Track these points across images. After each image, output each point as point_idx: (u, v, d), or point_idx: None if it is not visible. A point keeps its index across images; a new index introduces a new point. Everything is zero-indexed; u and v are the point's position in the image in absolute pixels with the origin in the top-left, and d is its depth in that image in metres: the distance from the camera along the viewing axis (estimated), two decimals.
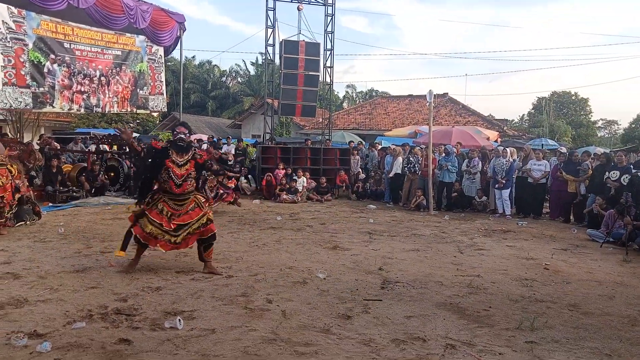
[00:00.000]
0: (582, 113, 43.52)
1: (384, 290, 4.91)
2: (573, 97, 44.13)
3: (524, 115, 49.05)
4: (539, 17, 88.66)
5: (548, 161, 11.11)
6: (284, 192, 12.38)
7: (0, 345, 3.30)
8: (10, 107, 9.17)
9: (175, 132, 5.37)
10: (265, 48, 15.66)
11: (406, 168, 11.92)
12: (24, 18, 8.85)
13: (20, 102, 8.98)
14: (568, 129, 36.52)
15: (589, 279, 5.64)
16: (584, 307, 4.59)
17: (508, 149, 11.28)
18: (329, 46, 16.01)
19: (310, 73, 15.06)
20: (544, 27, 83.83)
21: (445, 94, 29.05)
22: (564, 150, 11.95)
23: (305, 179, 12.94)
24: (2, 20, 8.52)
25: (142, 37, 11.31)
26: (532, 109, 45.73)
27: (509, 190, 10.81)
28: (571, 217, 10.40)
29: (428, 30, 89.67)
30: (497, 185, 10.83)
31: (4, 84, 8.67)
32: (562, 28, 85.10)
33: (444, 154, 11.80)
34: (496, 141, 17.87)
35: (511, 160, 10.93)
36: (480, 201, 11.50)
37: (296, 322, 3.92)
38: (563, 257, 6.84)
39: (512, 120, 45.71)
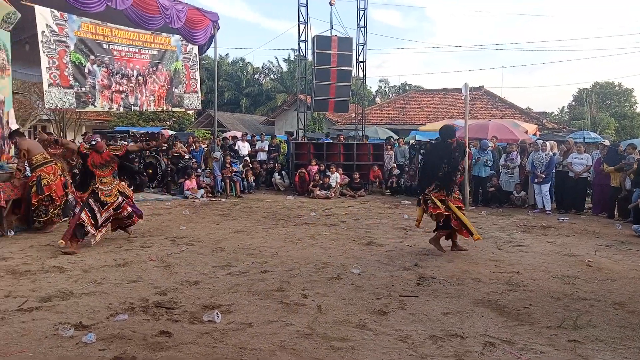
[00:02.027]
0: (626, 104, 41.73)
1: (420, 286, 4.86)
2: (616, 88, 42.39)
3: (564, 107, 47.46)
4: (579, 4, 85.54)
5: (590, 155, 10.72)
6: (318, 188, 12.41)
7: (48, 335, 3.44)
8: (56, 107, 9.51)
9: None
10: (298, 44, 15.70)
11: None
12: (65, 21, 9.15)
13: (65, 102, 9.30)
14: (611, 121, 35.13)
15: (635, 277, 5.42)
16: (630, 305, 4.41)
17: (548, 143, 10.95)
18: (361, 41, 15.92)
19: (343, 68, 15.02)
20: (585, 15, 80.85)
21: (481, 87, 28.43)
22: (607, 143, 11.50)
23: (338, 175, 12.93)
24: (46, 24, 8.84)
25: (177, 37, 11.52)
26: (573, 100, 44.21)
27: (548, 184, 10.50)
28: (615, 213, 10.01)
29: (462, 21, 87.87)
30: (536, 180, 10.53)
31: (49, 85, 9.00)
32: (602, 16, 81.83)
33: (479, 148, 11.56)
34: (535, 135, 17.37)
35: (551, 154, 10.61)
36: (519, 196, 11.21)
37: (332, 318, 3.93)
38: (607, 253, 6.59)
39: (552, 112, 44.29)
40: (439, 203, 6.09)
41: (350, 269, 5.38)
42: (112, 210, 6.31)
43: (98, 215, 6.15)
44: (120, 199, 6.37)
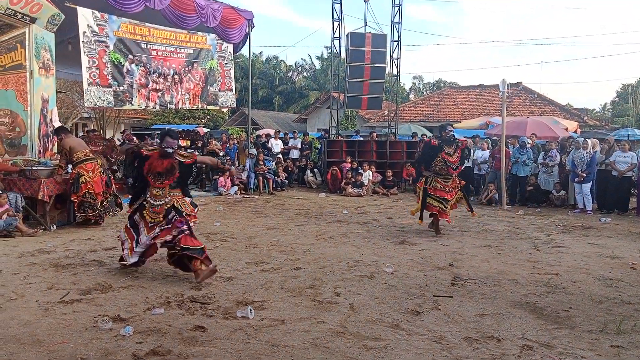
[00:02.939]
0: None
1: (455, 286, 4.76)
2: None
3: (606, 104, 45.81)
4: None
5: (635, 153, 10.29)
6: (350, 186, 12.37)
7: (88, 327, 3.54)
8: (95, 105, 9.80)
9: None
10: (332, 41, 15.69)
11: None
12: (106, 21, 9.42)
13: (104, 100, 9.57)
14: None
15: None
16: None
17: (589, 140, 10.56)
18: (395, 37, 15.77)
19: (377, 65, 14.92)
20: (628, 7, 77.57)
21: (519, 83, 27.69)
22: None
23: (371, 173, 12.86)
24: (87, 24, 9.11)
25: (212, 35, 11.68)
26: (616, 97, 42.59)
27: (590, 184, 10.13)
28: None
29: (499, 15, 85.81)
30: (576, 179, 10.18)
31: (89, 84, 9.28)
32: None
33: (518, 146, 11.27)
34: (575, 132, 16.81)
35: (592, 152, 10.23)
36: (558, 195, 10.86)
37: (364, 316, 3.90)
38: None
39: (593, 109, 42.75)
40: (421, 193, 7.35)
41: (383, 267, 5.33)
42: (158, 230, 4.80)
43: (143, 234, 4.85)
44: (170, 215, 4.76)
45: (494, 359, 3.20)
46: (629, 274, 5.38)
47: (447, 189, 7.21)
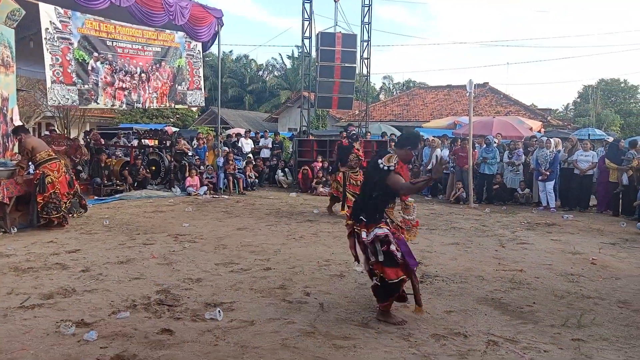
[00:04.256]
0: (632, 101, 41.40)
1: (423, 284, 4.82)
2: (622, 85, 42.07)
3: (568, 104, 47.14)
4: (583, 1, 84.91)
5: (595, 152, 10.65)
6: (321, 185, 12.39)
7: (50, 333, 3.44)
8: (59, 104, 9.51)
9: None
10: (302, 41, 15.65)
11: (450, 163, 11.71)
12: (69, 18, 9.13)
13: (68, 99, 9.29)
14: (616, 118, 34.88)
15: (639, 275, 5.38)
16: (634, 304, 4.38)
17: (552, 140, 10.87)
18: (365, 37, 15.86)
19: (347, 65, 14.96)
20: (589, 12, 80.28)
21: (485, 84, 28.28)
22: (611, 140, 11.43)
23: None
24: (50, 21, 8.82)
25: (181, 33, 11.48)
26: (578, 97, 43.86)
27: (553, 182, 10.44)
28: (619, 210, 9.94)
29: (467, 18, 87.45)
30: (540, 177, 10.47)
31: (52, 82, 8.99)
32: (607, 12, 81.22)
33: (484, 146, 11.51)
34: (539, 131, 17.28)
35: (555, 151, 10.54)
36: (523, 194, 11.15)
37: (334, 315, 3.91)
38: (611, 251, 6.54)
39: (556, 109, 44.00)
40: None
41: (353, 266, 5.36)
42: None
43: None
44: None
45: (460, 355, 3.26)
46: (589, 269, 5.57)
47: (358, 182, 8.15)
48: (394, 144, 4.69)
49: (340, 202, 8.73)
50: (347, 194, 8.43)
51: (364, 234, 3.81)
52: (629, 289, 4.82)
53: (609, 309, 4.22)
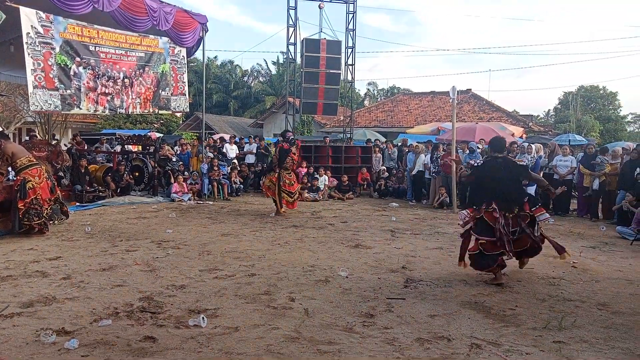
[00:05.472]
0: (610, 107, 42.33)
1: (407, 288, 4.86)
2: (601, 92, 42.99)
3: (549, 110, 48.03)
4: (564, 9, 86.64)
5: (575, 157, 10.84)
6: (306, 191, 12.39)
7: (30, 342, 3.38)
8: (41, 109, 9.38)
9: None
10: (287, 47, 15.71)
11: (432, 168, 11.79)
12: (51, 22, 9.02)
13: (50, 104, 9.17)
14: (596, 124, 35.62)
15: (619, 278, 5.48)
16: (614, 306, 4.46)
17: (533, 145, 11.05)
18: (350, 44, 15.97)
19: (332, 71, 15.05)
20: (570, 20, 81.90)
21: (468, 90, 28.64)
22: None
23: (327, 177, 12.93)
24: (31, 25, 8.71)
25: (165, 39, 11.43)
26: (559, 104, 44.74)
27: (534, 187, 10.57)
28: (599, 214, 10.13)
29: (451, 26, 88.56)
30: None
31: (34, 87, 8.87)
32: (588, 20, 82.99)
33: (467, 152, 11.63)
34: (521, 137, 17.52)
35: (536, 156, 10.70)
36: None
37: (319, 321, 3.91)
38: (592, 255, 6.66)
39: (538, 115, 44.72)
40: None
41: (337, 271, 5.37)
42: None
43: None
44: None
45: (444, 358, 3.29)
46: (570, 272, 5.66)
47: (292, 181, 9.38)
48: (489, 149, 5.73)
49: (277, 203, 9.52)
50: (283, 193, 9.35)
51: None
52: (609, 292, 4.91)
53: (589, 312, 4.30)
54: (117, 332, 3.58)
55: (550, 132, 25.49)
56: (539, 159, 10.66)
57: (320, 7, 15.40)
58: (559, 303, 4.51)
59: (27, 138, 14.67)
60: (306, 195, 12.25)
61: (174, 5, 11.13)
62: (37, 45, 8.87)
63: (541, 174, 10.69)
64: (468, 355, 3.34)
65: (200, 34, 12.11)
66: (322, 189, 12.58)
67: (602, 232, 8.50)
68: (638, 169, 8.97)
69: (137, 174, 12.11)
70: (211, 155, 12.70)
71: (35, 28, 8.81)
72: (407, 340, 3.58)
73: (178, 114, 24.14)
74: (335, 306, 4.28)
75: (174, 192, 11.49)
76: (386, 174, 13.76)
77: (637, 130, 51.12)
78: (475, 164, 5.54)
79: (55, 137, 18.61)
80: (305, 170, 13.10)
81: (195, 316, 3.87)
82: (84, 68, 9.76)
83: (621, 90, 78.46)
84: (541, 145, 11.79)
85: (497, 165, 5.27)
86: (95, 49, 10.01)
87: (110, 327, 3.67)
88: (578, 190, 10.73)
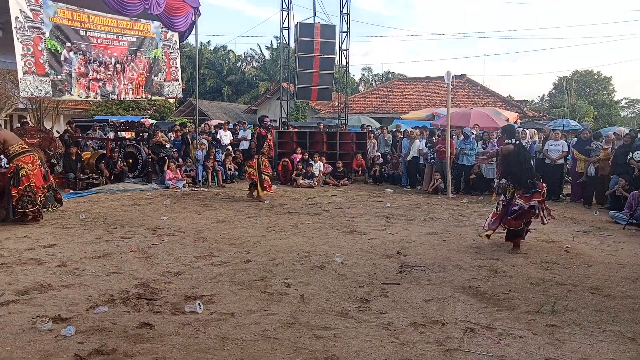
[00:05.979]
0: (604, 92, 42.44)
1: (402, 274, 4.89)
2: (595, 76, 43.02)
3: (544, 95, 48.09)
4: None
5: (567, 141, 10.87)
6: (301, 177, 12.39)
7: (26, 329, 3.38)
8: (32, 95, 9.27)
9: None
10: (281, 31, 15.58)
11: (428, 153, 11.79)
12: (40, 6, 8.87)
13: (41, 90, 9.06)
14: (590, 109, 35.68)
15: (611, 262, 5.54)
16: (606, 290, 4.52)
17: (527, 130, 11.09)
18: (344, 28, 15.84)
19: (326, 56, 14.95)
20: (565, 4, 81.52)
21: (463, 75, 28.57)
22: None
23: (321, 164, 12.92)
24: (20, 9, 8.56)
25: (157, 23, 11.28)
26: (553, 89, 44.82)
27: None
28: (593, 199, 10.20)
29: (446, 9, 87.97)
30: None
31: (24, 73, 8.74)
32: (584, 4, 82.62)
33: (462, 137, 11.64)
34: (516, 122, 17.55)
35: (530, 141, 10.73)
36: (500, 184, 11.31)
37: (314, 306, 3.94)
38: (584, 239, 6.73)
39: (532, 101, 44.80)
40: None
41: (333, 257, 5.40)
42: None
43: None
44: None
45: (438, 343, 3.32)
46: (563, 256, 5.71)
47: (266, 164, 9.84)
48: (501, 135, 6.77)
49: (258, 186, 9.69)
50: (263, 175, 9.60)
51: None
52: (601, 276, 4.96)
53: (581, 295, 4.35)
54: (113, 318, 3.59)
55: (544, 117, 25.56)
56: (533, 144, 10.69)
57: None
58: (552, 287, 4.56)
59: (19, 125, 14.55)
60: (301, 181, 12.25)
61: None
62: (27, 30, 8.73)
63: (535, 159, 10.76)
64: (462, 339, 3.38)
65: (193, 18, 11.96)
66: (316, 175, 12.57)
67: (595, 216, 8.57)
68: (630, 154, 9.02)
69: (130, 160, 12.04)
70: (205, 142, 12.62)
71: (24, 12, 8.67)
72: (402, 324, 3.61)
73: (171, 100, 23.96)
74: (331, 291, 4.31)
75: (168, 179, 11.44)
76: (381, 160, 13.76)
77: (630, 115, 51.34)
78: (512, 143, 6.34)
79: (44, 125, 18.43)
80: (300, 156, 13.08)
81: (192, 302, 3.88)
82: (75, 53, 9.63)
83: (615, 75, 78.57)
84: (535, 131, 11.82)
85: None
86: (86, 33, 9.87)
87: (107, 313, 3.68)
88: (572, 175, 10.78)
